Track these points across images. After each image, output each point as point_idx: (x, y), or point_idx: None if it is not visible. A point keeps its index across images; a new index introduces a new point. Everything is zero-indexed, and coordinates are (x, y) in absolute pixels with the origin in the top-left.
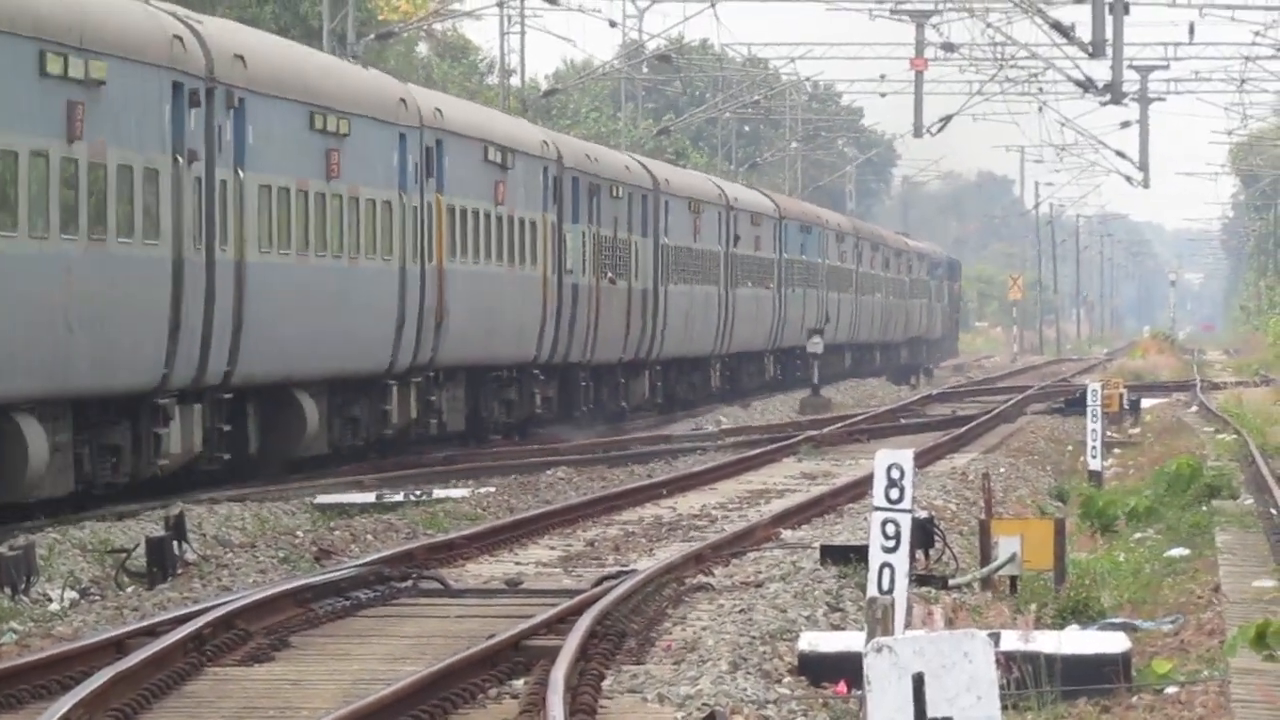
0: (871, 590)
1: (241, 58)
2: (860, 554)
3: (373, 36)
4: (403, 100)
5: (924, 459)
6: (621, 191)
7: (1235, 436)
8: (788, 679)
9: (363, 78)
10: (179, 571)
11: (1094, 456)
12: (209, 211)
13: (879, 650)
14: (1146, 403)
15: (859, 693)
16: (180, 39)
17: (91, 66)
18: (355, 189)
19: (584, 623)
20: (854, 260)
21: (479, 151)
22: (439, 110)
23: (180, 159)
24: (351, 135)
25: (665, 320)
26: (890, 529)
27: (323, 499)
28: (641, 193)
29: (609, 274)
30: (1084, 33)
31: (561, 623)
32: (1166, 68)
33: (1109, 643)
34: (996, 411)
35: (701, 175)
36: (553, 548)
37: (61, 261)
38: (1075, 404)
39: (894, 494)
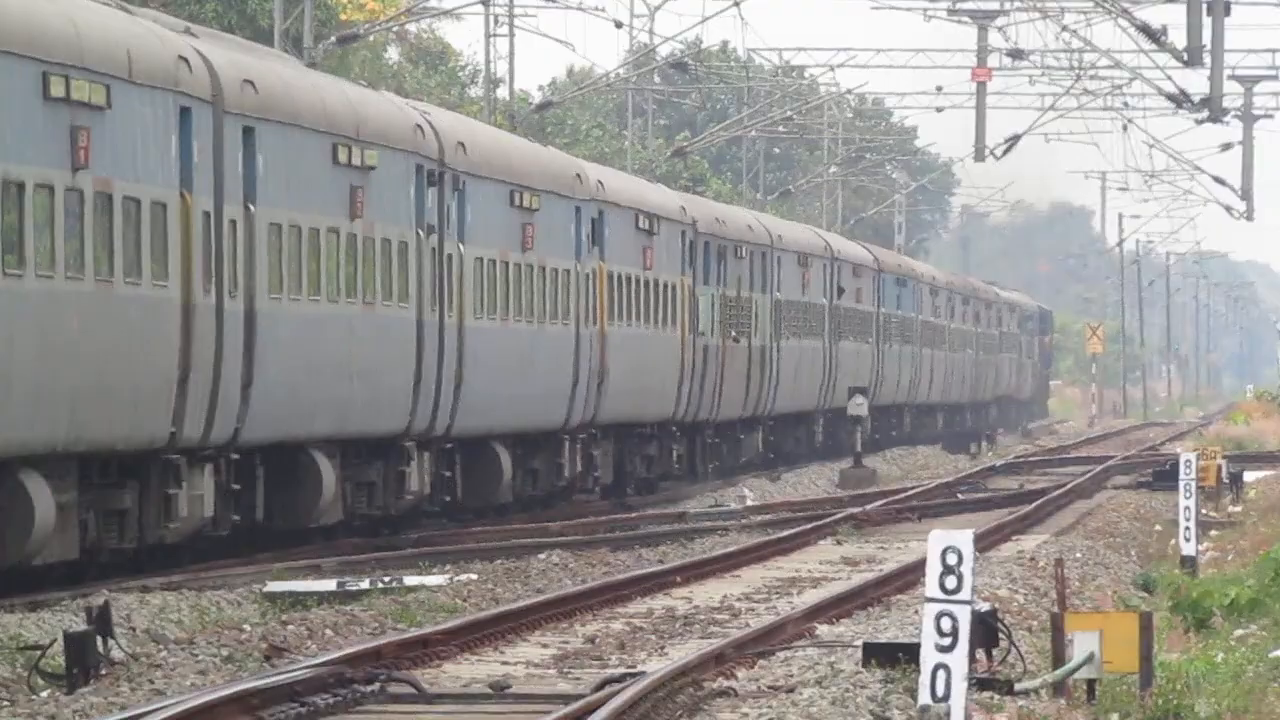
0: (924, 697)
1: (463, 144)
2: (911, 653)
3: (333, 40)
4: (578, 175)
5: (986, 541)
6: (744, 252)
7: None
8: None
9: (548, 156)
10: (104, 673)
11: (1187, 539)
12: (440, 279)
13: None
14: (1250, 475)
15: None
16: (420, 128)
17: (366, 155)
18: (543, 259)
19: None
20: (947, 315)
21: (632, 220)
22: (601, 182)
23: (421, 233)
24: (541, 210)
25: (778, 376)
26: (946, 624)
27: (273, 586)
28: (761, 251)
29: (733, 333)
30: (1177, 37)
31: None
32: (1276, 79)
33: None
34: (1071, 486)
35: (807, 228)
36: (546, 645)
37: (346, 321)
38: (1165, 477)
39: (950, 583)
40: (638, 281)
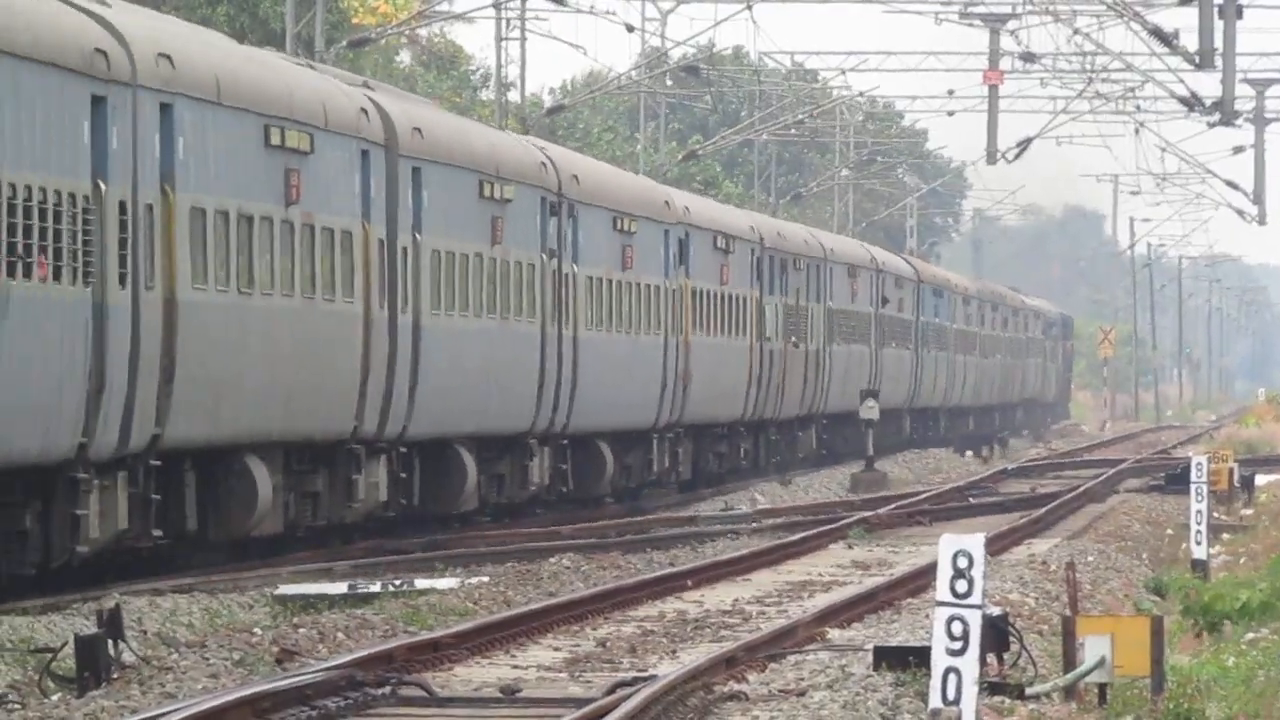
0: (935, 700)
1: (576, 177)
2: (921, 657)
3: (345, 43)
4: (666, 201)
5: (997, 545)
6: (802, 264)
7: None
8: None
9: (642, 185)
10: (115, 676)
11: (1198, 543)
12: (559, 297)
13: None
14: (1261, 479)
15: None
16: (544, 165)
17: (505, 190)
18: (640, 276)
19: None
20: (978, 322)
21: (711, 240)
22: (687, 208)
23: (544, 256)
24: (638, 234)
25: (830, 378)
26: (957, 628)
27: (285, 589)
28: (815, 263)
29: (793, 338)
30: (1189, 40)
31: None
32: None
33: None
34: (1083, 489)
35: (856, 242)
36: (557, 648)
37: (488, 334)
38: (1176, 480)
39: (961, 586)
40: (716, 295)
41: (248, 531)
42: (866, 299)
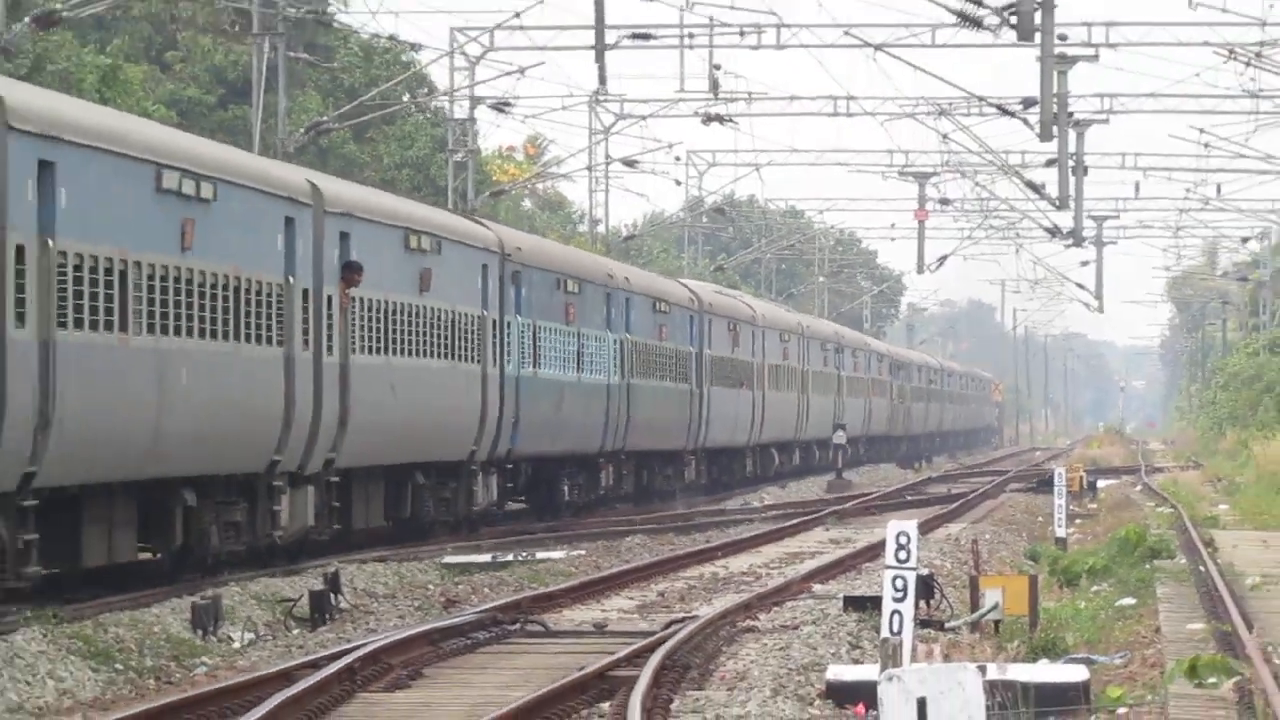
0: (884, 632)
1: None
2: (876, 603)
3: (488, 194)
4: (875, 350)
5: (926, 528)
6: (912, 366)
7: (1172, 510)
8: (818, 702)
9: (855, 338)
10: (335, 617)
11: (1060, 526)
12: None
13: (890, 680)
14: (1102, 483)
15: (874, 714)
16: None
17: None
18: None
19: (656, 658)
20: (960, 387)
21: (867, 356)
22: (888, 354)
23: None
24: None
25: (910, 417)
26: (899, 583)
27: (449, 559)
28: (918, 369)
29: (906, 399)
30: (1052, 189)
31: (638, 657)
32: (1117, 217)
33: (1072, 674)
34: (983, 490)
35: (933, 358)
36: (631, 598)
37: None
38: (1045, 484)
39: (902, 555)
40: (885, 385)
41: (676, 490)
42: (926, 383)
